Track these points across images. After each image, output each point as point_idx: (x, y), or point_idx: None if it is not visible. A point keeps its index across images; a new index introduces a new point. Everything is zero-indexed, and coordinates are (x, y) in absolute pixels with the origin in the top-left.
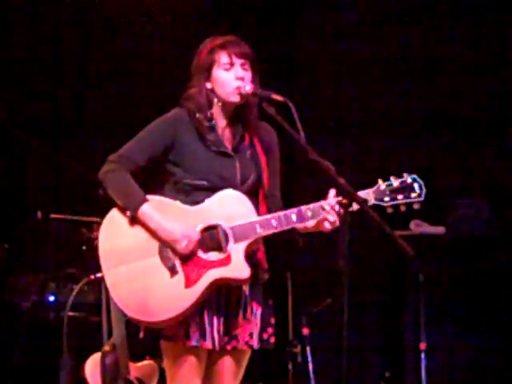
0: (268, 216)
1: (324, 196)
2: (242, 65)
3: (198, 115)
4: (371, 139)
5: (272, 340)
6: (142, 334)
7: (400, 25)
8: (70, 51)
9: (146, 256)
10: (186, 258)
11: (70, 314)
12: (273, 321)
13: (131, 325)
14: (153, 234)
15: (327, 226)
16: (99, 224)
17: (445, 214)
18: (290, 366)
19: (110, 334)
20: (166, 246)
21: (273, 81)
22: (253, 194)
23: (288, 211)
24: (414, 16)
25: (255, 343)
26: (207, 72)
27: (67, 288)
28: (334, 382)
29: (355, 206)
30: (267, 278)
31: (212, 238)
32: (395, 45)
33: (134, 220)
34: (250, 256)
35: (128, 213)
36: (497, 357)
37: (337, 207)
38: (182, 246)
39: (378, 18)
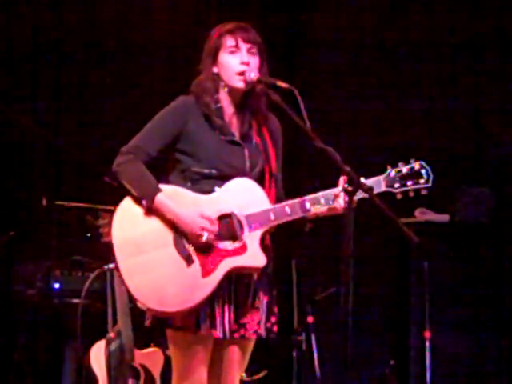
0: (282, 204)
1: (325, 183)
2: (249, 50)
3: (204, 97)
4: (373, 127)
5: (275, 329)
6: (148, 323)
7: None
8: (71, 41)
9: (161, 246)
10: (202, 248)
11: (76, 300)
12: (276, 310)
13: (136, 312)
14: (169, 224)
15: (339, 212)
16: (105, 211)
17: (449, 201)
18: (295, 354)
19: (114, 321)
20: (183, 236)
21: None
22: (260, 181)
23: (302, 199)
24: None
25: (263, 332)
26: (214, 56)
27: (72, 275)
28: (339, 370)
29: (361, 194)
30: (273, 267)
31: (226, 227)
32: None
33: (149, 210)
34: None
35: (143, 203)
36: (502, 345)
37: (342, 194)
38: (204, 239)
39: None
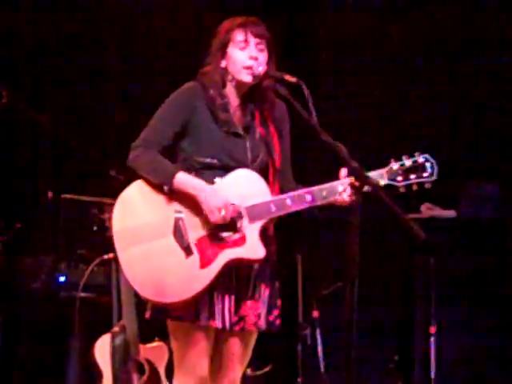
0: (283, 196)
1: (331, 175)
2: (257, 44)
3: (211, 91)
4: (376, 124)
5: (277, 322)
6: (148, 314)
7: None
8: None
9: (160, 236)
10: (217, 227)
11: (82, 294)
12: (279, 303)
13: (141, 306)
14: (189, 201)
15: (342, 203)
16: (110, 205)
17: (456, 197)
18: (300, 349)
19: (119, 316)
20: (203, 211)
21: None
22: (263, 173)
23: (302, 191)
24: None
25: (263, 324)
26: (223, 50)
27: (78, 268)
28: (343, 364)
29: (367, 188)
30: (275, 259)
31: None
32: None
33: (172, 193)
34: (262, 235)
35: (165, 189)
36: (507, 341)
37: (349, 189)
38: (222, 214)
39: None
